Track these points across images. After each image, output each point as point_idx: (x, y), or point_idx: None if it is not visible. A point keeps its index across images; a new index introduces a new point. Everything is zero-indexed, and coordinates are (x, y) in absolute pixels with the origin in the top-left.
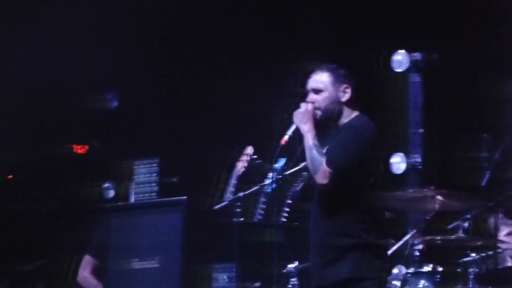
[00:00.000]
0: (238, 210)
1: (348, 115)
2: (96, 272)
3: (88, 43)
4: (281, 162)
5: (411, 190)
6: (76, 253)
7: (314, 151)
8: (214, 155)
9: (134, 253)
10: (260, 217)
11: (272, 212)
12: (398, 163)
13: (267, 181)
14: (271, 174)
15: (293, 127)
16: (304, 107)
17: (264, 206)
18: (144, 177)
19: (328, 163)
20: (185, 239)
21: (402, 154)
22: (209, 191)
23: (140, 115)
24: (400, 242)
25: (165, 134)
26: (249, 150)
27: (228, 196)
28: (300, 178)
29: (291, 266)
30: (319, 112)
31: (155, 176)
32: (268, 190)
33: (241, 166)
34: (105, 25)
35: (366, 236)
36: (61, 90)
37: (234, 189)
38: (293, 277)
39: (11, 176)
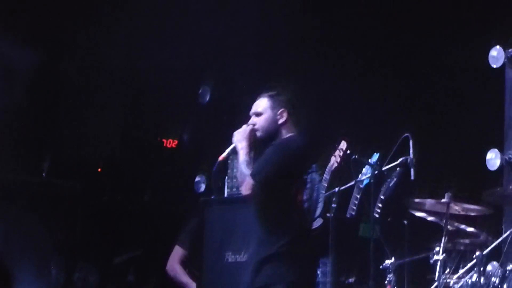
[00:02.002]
0: (334, 205)
1: (284, 135)
2: (184, 263)
3: (179, 38)
4: (375, 157)
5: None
6: (166, 244)
7: (243, 166)
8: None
9: (228, 246)
10: (353, 213)
11: (366, 208)
12: (493, 159)
13: (362, 177)
14: (365, 169)
15: (232, 146)
16: (243, 128)
17: (358, 202)
18: (238, 171)
19: (252, 176)
20: None
21: (497, 150)
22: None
23: (231, 109)
24: (499, 240)
25: None
26: (343, 145)
27: (321, 191)
28: (395, 173)
29: (387, 262)
30: (258, 133)
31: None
32: (362, 186)
33: (334, 161)
34: (193, 20)
35: (288, 245)
36: (152, 84)
37: (326, 184)
38: (390, 273)
39: (100, 170)
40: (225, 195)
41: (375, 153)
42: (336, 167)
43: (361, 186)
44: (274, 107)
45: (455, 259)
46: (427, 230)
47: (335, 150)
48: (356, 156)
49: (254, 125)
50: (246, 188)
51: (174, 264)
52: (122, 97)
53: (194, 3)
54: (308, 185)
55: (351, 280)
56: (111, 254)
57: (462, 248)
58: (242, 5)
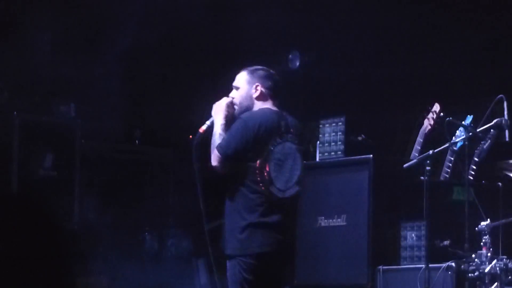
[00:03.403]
0: (428, 168)
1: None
2: None
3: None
4: (469, 119)
5: None
6: None
7: (215, 137)
8: (401, 113)
9: (321, 211)
10: (446, 175)
11: (460, 170)
12: None
13: (456, 139)
14: (459, 132)
15: (212, 118)
16: (222, 100)
17: (451, 164)
18: (329, 136)
19: (218, 149)
20: (373, 197)
21: None
22: (396, 149)
23: (324, 75)
24: None
25: (350, 92)
26: (436, 107)
27: (414, 154)
28: (489, 135)
29: (483, 223)
30: (236, 107)
31: (340, 135)
32: (456, 148)
33: (427, 123)
34: None
35: (248, 217)
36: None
37: (420, 147)
38: (485, 235)
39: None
40: (317, 159)
41: (469, 115)
42: (429, 130)
43: (455, 148)
44: (250, 82)
45: None
46: None
47: (428, 113)
48: (450, 118)
49: (232, 98)
50: (213, 160)
51: None
52: (212, 65)
53: None
54: (277, 155)
55: (446, 243)
56: (203, 221)
57: None
58: None
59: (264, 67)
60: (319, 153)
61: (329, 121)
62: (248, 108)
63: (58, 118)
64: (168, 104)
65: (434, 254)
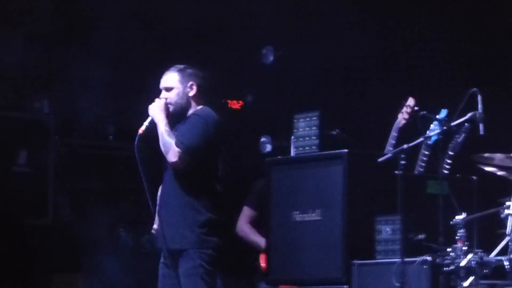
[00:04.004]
0: (402, 162)
1: (195, 107)
2: (254, 223)
3: None
4: (443, 113)
5: None
6: (233, 206)
7: (166, 135)
8: (374, 107)
9: (295, 206)
10: (421, 169)
11: (435, 164)
12: None
13: (430, 133)
14: (433, 125)
15: (149, 119)
16: (158, 101)
17: (426, 158)
18: (304, 131)
19: (177, 144)
20: (348, 191)
21: None
22: (369, 143)
23: (297, 68)
24: None
25: (325, 87)
26: (411, 101)
27: (388, 148)
28: (463, 129)
29: (458, 217)
30: (171, 107)
31: (315, 129)
32: (430, 142)
33: (401, 117)
34: None
35: (207, 212)
36: (216, 44)
37: (394, 142)
38: (460, 229)
39: None
40: (292, 154)
41: (443, 109)
42: (404, 124)
43: (429, 142)
44: (183, 81)
45: None
46: (496, 185)
47: (402, 107)
48: (424, 112)
49: (166, 99)
50: (172, 156)
51: (243, 225)
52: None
53: None
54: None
55: (421, 236)
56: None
57: None
58: None
59: (191, 66)
60: (294, 147)
61: (303, 115)
62: (184, 107)
63: (32, 115)
64: (142, 100)
65: (409, 248)
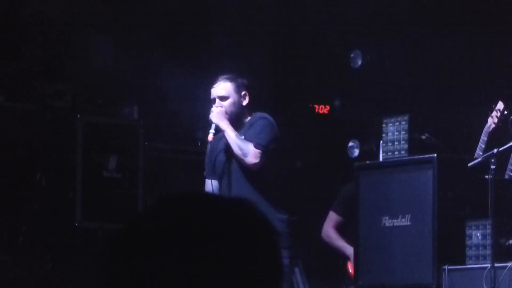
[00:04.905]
0: (492, 166)
1: (248, 115)
2: (339, 228)
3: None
4: None
5: None
6: (319, 211)
7: (239, 140)
8: (465, 111)
9: (384, 211)
10: (511, 174)
11: None
12: None
13: None
14: None
15: (213, 126)
16: (218, 109)
17: None
18: (393, 135)
19: (256, 145)
20: (437, 196)
21: None
22: (459, 147)
23: (386, 72)
24: None
25: (414, 90)
26: (500, 105)
27: (478, 153)
28: None
29: None
30: (227, 116)
31: (404, 133)
32: None
33: (491, 122)
34: None
35: (281, 210)
36: (303, 48)
37: (483, 146)
38: None
39: None
40: (380, 159)
41: None
42: (493, 128)
43: None
44: (237, 91)
45: None
46: None
47: (492, 111)
48: None
49: (221, 107)
50: (253, 157)
51: (329, 230)
52: (272, 62)
53: None
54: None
55: None
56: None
57: None
58: None
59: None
60: (383, 152)
61: (392, 120)
62: (239, 116)
63: (122, 120)
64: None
65: (500, 253)
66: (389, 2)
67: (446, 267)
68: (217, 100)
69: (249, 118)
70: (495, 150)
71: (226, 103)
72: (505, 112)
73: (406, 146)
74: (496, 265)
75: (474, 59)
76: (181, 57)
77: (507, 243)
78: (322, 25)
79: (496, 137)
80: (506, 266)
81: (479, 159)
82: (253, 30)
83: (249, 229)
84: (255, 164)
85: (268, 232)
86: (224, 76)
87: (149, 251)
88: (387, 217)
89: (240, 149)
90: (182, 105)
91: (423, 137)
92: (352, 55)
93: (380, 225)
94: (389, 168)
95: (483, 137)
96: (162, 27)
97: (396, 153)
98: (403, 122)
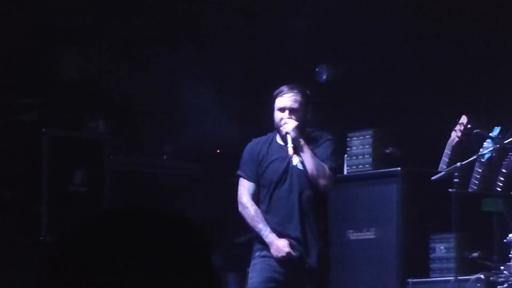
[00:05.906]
0: (456, 180)
1: (306, 131)
2: None
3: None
4: (496, 130)
5: None
6: None
7: (315, 159)
8: (427, 125)
9: (349, 224)
10: (474, 187)
11: (488, 182)
12: None
13: (484, 151)
14: (486, 143)
15: (289, 139)
16: (292, 122)
17: (479, 176)
18: (357, 149)
19: (330, 167)
20: (402, 210)
21: None
22: (423, 161)
23: (352, 87)
24: None
25: (378, 105)
26: (464, 119)
27: (442, 166)
28: None
29: (511, 235)
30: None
31: (368, 147)
32: (483, 160)
33: (455, 135)
34: None
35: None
36: (267, 64)
37: (447, 159)
38: None
39: (218, 151)
40: (345, 173)
41: (496, 127)
42: (457, 142)
43: (482, 160)
44: (306, 105)
45: None
46: None
47: (455, 125)
48: (478, 130)
49: (293, 119)
50: (326, 179)
51: None
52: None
53: None
54: None
55: (475, 254)
56: (233, 235)
57: None
58: None
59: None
60: (347, 166)
61: (357, 134)
62: (303, 130)
63: (87, 134)
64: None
65: (464, 266)
66: (355, 17)
67: (410, 280)
68: (287, 112)
69: (309, 133)
70: (459, 164)
71: (297, 116)
72: (469, 126)
73: (370, 160)
74: (459, 278)
75: (438, 73)
76: (148, 69)
77: (470, 256)
78: (287, 39)
79: (459, 151)
80: (469, 279)
81: (443, 173)
82: (223, 44)
83: (183, 240)
84: (326, 186)
85: (201, 241)
86: (296, 88)
87: (81, 260)
88: (351, 230)
89: (317, 169)
90: (149, 118)
91: (387, 150)
92: (317, 69)
93: (345, 238)
94: (354, 182)
95: (447, 151)
96: (128, 40)
97: (361, 166)
98: (367, 136)
